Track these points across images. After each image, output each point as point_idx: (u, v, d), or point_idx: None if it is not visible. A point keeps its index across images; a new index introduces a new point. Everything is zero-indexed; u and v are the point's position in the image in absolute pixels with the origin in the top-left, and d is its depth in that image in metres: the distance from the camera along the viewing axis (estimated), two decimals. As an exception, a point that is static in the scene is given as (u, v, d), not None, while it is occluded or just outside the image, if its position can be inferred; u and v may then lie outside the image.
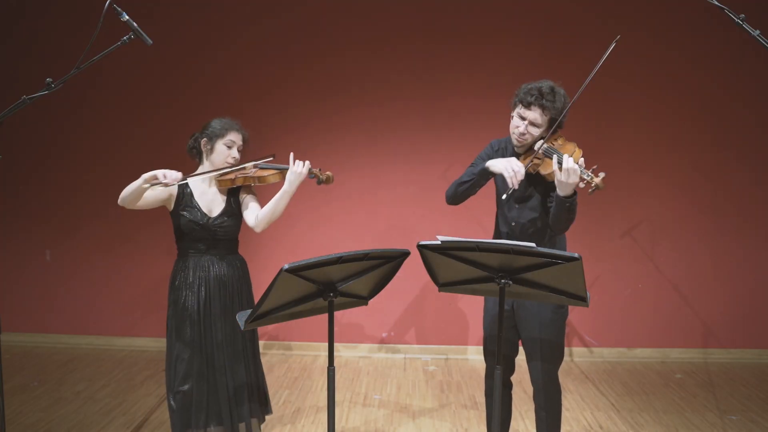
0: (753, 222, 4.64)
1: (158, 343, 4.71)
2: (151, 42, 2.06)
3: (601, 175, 2.23)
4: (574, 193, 2.32)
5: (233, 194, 2.64)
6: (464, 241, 1.96)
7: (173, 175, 2.40)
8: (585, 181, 2.22)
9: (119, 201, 2.43)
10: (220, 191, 2.62)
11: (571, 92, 2.52)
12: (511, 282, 1.99)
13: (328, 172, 2.60)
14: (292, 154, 2.53)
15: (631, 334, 4.70)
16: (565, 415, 3.60)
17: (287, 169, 2.51)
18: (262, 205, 2.60)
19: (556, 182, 2.30)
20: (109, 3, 2.01)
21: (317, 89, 4.67)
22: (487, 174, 2.50)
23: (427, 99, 4.63)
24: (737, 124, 4.59)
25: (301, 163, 2.49)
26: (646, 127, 4.61)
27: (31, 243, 4.91)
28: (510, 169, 2.37)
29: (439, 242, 1.97)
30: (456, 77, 4.58)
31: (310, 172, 2.54)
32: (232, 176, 2.58)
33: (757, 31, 1.96)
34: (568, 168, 2.21)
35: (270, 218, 2.53)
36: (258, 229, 2.57)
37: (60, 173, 4.87)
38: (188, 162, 2.69)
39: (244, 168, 2.59)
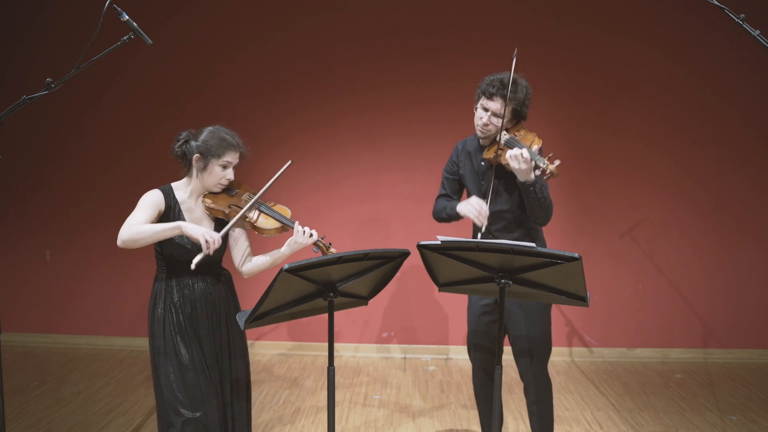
0: (752, 222, 4.64)
1: (158, 343, 4.71)
2: (151, 42, 2.06)
3: (557, 162, 2.30)
4: (537, 180, 2.39)
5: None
6: (464, 241, 1.96)
7: (214, 244, 2.17)
8: (540, 168, 2.30)
9: (125, 242, 2.16)
10: (207, 213, 2.40)
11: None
12: (511, 282, 1.99)
13: (333, 249, 2.35)
14: (297, 223, 2.31)
15: (631, 334, 4.70)
16: (565, 414, 3.60)
17: (288, 225, 2.32)
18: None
19: (513, 170, 2.38)
20: (109, 3, 2.01)
21: (322, 95, 4.68)
22: (459, 216, 2.61)
23: (427, 103, 4.64)
24: (736, 126, 4.59)
25: (308, 233, 2.30)
26: (647, 128, 4.61)
27: (31, 243, 4.91)
28: (473, 210, 2.49)
29: (439, 242, 1.97)
30: (454, 85, 4.58)
31: (315, 243, 2.34)
32: (226, 210, 2.34)
33: (757, 31, 1.96)
34: (516, 154, 2.32)
35: (259, 272, 2.42)
36: (244, 276, 2.44)
37: (61, 174, 4.87)
38: None
39: (249, 207, 2.33)
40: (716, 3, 2.04)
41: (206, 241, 2.17)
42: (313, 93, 4.68)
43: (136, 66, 4.68)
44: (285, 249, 2.35)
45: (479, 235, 2.52)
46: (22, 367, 4.38)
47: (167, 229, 2.20)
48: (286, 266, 1.77)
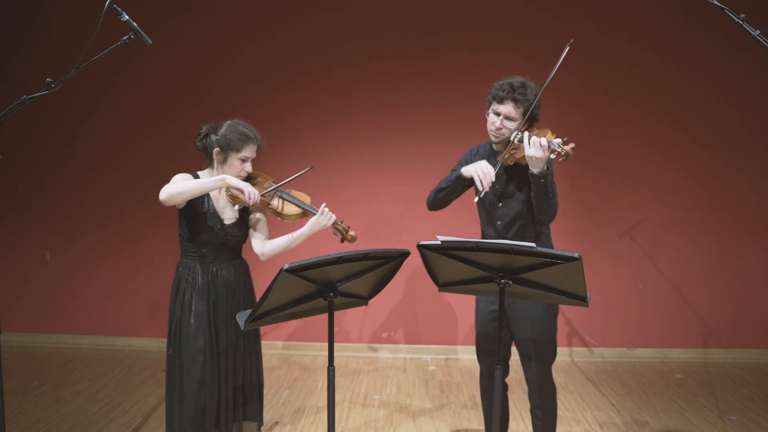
0: (752, 222, 4.64)
1: (158, 343, 4.71)
2: (151, 42, 2.06)
3: (571, 144, 2.31)
4: (549, 172, 2.40)
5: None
6: (464, 241, 1.96)
7: (255, 197, 2.33)
8: (555, 152, 2.30)
9: (169, 196, 2.24)
10: (229, 200, 2.50)
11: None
12: (511, 282, 1.99)
13: (352, 232, 2.53)
14: (324, 205, 2.47)
15: (631, 334, 4.70)
16: (565, 415, 3.60)
17: (309, 211, 2.47)
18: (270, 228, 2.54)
19: (527, 160, 2.38)
20: (109, 3, 2.01)
21: (323, 95, 4.68)
22: (462, 179, 2.58)
23: (428, 103, 4.64)
24: (735, 126, 4.59)
25: (330, 215, 2.45)
26: (646, 128, 4.61)
27: (31, 243, 4.91)
28: (480, 171, 2.46)
29: (439, 242, 1.97)
30: (456, 84, 4.59)
31: (334, 226, 2.49)
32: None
33: (757, 31, 1.96)
34: (535, 141, 2.31)
35: (279, 253, 2.51)
36: (263, 259, 2.53)
37: (61, 175, 4.87)
38: (195, 166, 2.59)
39: (272, 190, 2.48)
40: (716, 3, 2.04)
41: (249, 194, 2.31)
42: (313, 93, 4.68)
43: (137, 66, 4.68)
44: (306, 228, 2.47)
45: (476, 199, 2.53)
46: (22, 367, 4.37)
47: (212, 181, 2.29)
48: (286, 266, 1.77)
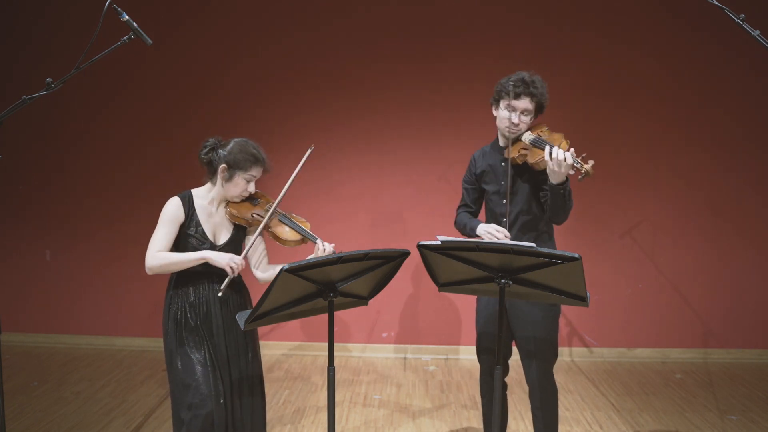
0: (753, 222, 4.64)
1: (158, 343, 4.67)
2: (151, 42, 2.05)
3: (591, 162, 2.28)
4: (566, 179, 2.39)
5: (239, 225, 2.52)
6: (464, 241, 1.96)
7: (239, 265, 2.34)
8: (575, 169, 2.28)
9: (154, 270, 2.30)
10: (228, 218, 2.48)
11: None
12: (511, 282, 1.99)
13: None
14: (319, 240, 2.40)
15: (631, 334, 4.70)
16: (565, 415, 3.60)
17: (309, 238, 2.44)
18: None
19: (548, 171, 2.36)
20: (109, 3, 2.01)
21: (324, 97, 4.69)
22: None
23: (427, 105, 4.65)
24: (732, 128, 4.60)
25: (323, 248, 2.38)
26: (645, 130, 4.61)
27: (32, 244, 4.92)
28: (493, 238, 2.49)
29: (439, 242, 1.96)
30: (456, 88, 4.60)
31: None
32: (249, 218, 2.44)
33: (757, 31, 1.96)
34: (560, 159, 2.28)
35: None
36: (259, 281, 2.50)
37: (63, 175, 4.87)
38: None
39: (270, 215, 2.43)
40: (716, 3, 2.04)
41: (231, 268, 2.32)
42: (315, 96, 4.68)
43: (140, 68, 4.68)
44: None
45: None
46: (23, 367, 4.38)
47: (193, 259, 2.33)
48: (286, 266, 1.77)
